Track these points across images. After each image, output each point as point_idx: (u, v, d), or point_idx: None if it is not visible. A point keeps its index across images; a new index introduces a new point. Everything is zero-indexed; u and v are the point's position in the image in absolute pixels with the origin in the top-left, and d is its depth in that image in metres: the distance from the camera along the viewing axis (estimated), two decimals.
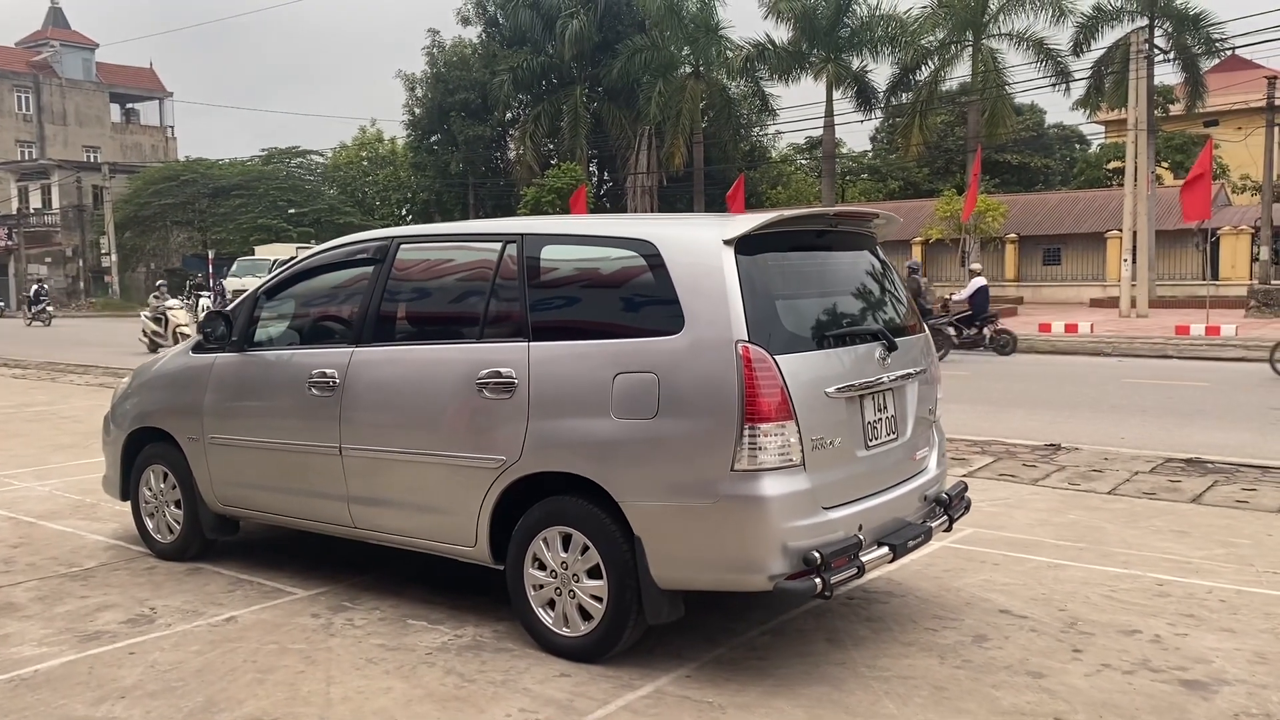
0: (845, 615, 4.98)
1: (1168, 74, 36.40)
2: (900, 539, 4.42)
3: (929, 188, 48.49)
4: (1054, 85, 35.63)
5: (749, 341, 4.00)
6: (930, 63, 37.62)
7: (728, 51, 42.34)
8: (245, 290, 34.80)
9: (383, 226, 60.65)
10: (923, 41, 37.31)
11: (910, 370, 4.80)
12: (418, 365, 4.94)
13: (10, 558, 6.28)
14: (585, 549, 4.37)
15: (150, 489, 6.19)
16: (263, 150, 60.10)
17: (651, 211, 41.31)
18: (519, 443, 4.49)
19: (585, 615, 4.41)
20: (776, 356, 4.03)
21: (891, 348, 4.62)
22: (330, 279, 5.65)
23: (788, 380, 4.02)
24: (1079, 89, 37.12)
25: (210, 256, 52.80)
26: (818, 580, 3.96)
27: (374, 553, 5.92)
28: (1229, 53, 33.94)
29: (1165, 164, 42.24)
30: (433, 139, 53.15)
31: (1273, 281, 29.27)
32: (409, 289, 5.24)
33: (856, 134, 51.56)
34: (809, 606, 5.07)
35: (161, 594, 5.51)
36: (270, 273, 6.24)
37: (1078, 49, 34.69)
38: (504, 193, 52.12)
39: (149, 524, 6.24)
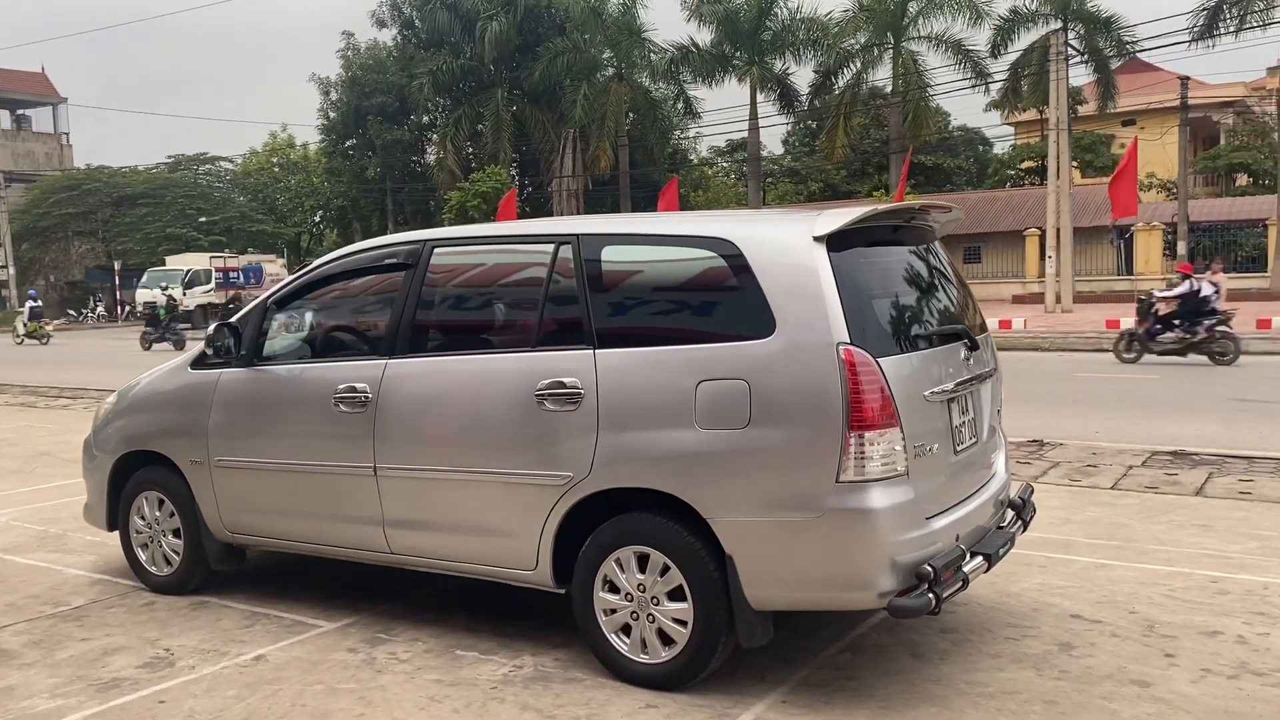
0: (916, 627, 4.78)
1: (1078, 76, 37.42)
2: (991, 547, 4.23)
3: (847, 189, 49.10)
4: (973, 87, 36.36)
5: (850, 344, 3.76)
6: (852, 65, 38.05)
7: (651, 54, 42.24)
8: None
9: (296, 234, 59.72)
10: (844, 44, 37.70)
11: (987, 369, 4.63)
12: (464, 377, 4.59)
13: None
14: (665, 569, 4.09)
15: (143, 518, 5.70)
16: (169, 157, 58.14)
17: (579, 215, 40.95)
18: (588, 458, 4.18)
19: (666, 640, 4.12)
20: (879, 359, 3.80)
21: (974, 346, 4.44)
22: (351, 287, 5.26)
23: (891, 384, 3.80)
24: (995, 91, 37.91)
25: (116, 268, 50.86)
26: (931, 595, 3.75)
27: (391, 578, 5.58)
28: (1137, 54, 34.95)
29: (1075, 163, 43.46)
30: (348, 144, 51.98)
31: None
32: (447, 296, 4.88)
33: (771, 137, 52.05)
34: (875, 620, 4.86)
35: (171, 633, 5.05)
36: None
37: (995, 51, 35.43)
38: (424, 197, 51.21)
39: (142, 556, 5.75)
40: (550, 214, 42.21)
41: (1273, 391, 13.37)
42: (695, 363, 4.01)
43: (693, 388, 3.98)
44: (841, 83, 38.63)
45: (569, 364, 4.28)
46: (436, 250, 4.87)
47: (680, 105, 44.19)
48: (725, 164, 56.48)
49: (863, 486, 3.73)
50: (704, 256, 4.16)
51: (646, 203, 46.58)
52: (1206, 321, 16.58)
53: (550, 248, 4.53)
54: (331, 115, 50.84)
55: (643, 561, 4.15)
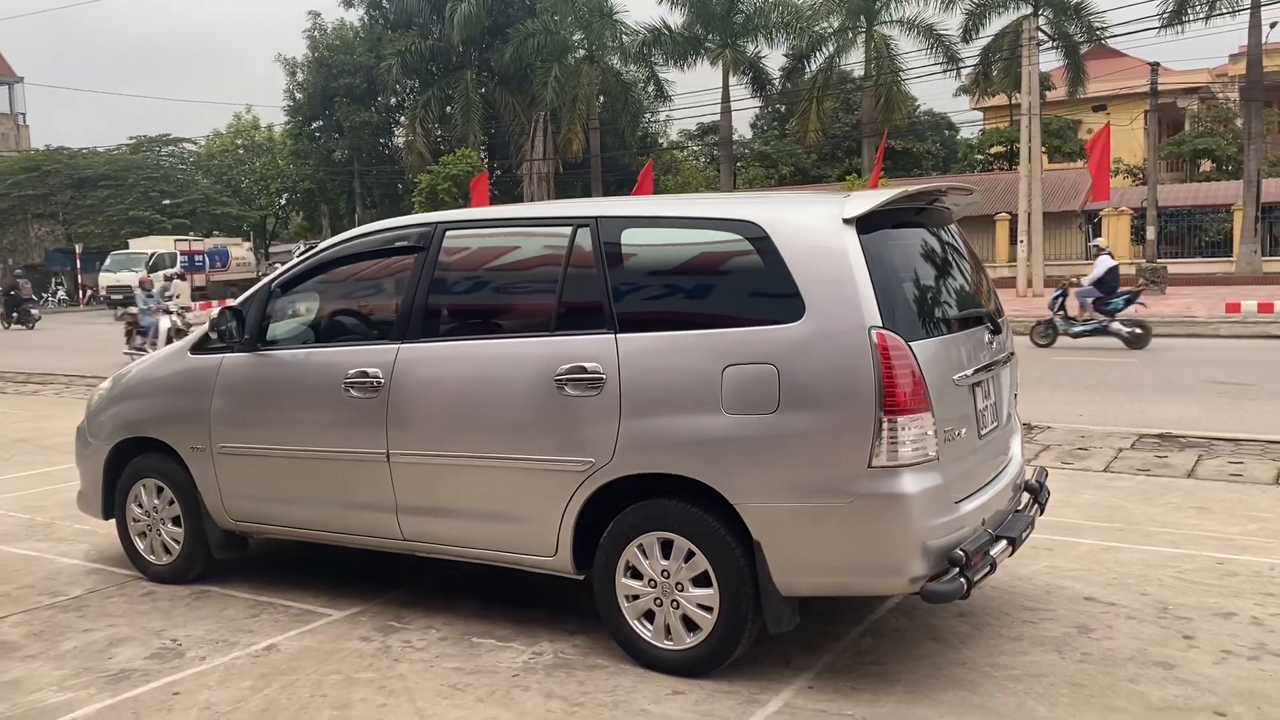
0: (934, 612, 4.77)
1: (1046, 61, 37.63)
2: (1014, 531, 4.22)
3: (817, 174, 49.16)
4: (945, 71, 36.52)
5: (883, 328, 3.73)
6: (825, 48, 38.05)
7: (623, 36, 42.02)
8: (121, 285, 32.84)
9: (261, 217, 58.92)
10: (817, 27, 37.69)
11: (1006, 353, 4.62)
12: (481, 362, 4.51)
13: None
14: (690, 555, 4.05)
15: (141, 506, 5.58)
16: (130, 138, 57.04)
17: (550, 198, 40.75)
18: (610, 443, 4.13)
19: (690, 626, 4.09)
20: (910, 343, 3.77)
21: (996, 330, 4.43)
22: (358, 270, 5.15)
23: (922, 368, 3.78)
24: (966, 76, 38.09)
25: (77, 251, 49.97)
26: (963, 580, 3.73)
27: (394, 565, 5.52)
28: (1106, 40, 35.22)
29: (1044, 148, 43.74)
30: (314, 125, 51.35)
31: (1158, 260, 30.58)
32: (461, 279, 4.80)
33: (739, 120, 51.66)
34: (893, 604, 4.86)
35: (176, 623, 4.95)
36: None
37: (967, 36, 35.57)
38: (392, 180, 50.76)
39: (139, 544, 5.63)
40: (521, 198, 41.96)
41: (1247, 374, 13.54)
42: (721, 347, 3.96)
43: (719, 372, 3.93)
44: (814, 66, 38.63)
45: (589, 349, 4.22)
46: (449, 233, 4.78)
47: (651, 88, 44.02)
48: (696, 147, 56.31)
49: (895, 472, 3.71)
50: (729, 240, 4.11)
51: (617, 186, 46.43)
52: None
53: (568, 230, 4.46)
54: (298, 96, 50.23)
55: (666, 547, 4.11)
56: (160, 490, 5.50)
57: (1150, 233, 31.02)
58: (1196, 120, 48.73)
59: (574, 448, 4.21)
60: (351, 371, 4.76)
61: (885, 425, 3.69)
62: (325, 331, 5.19)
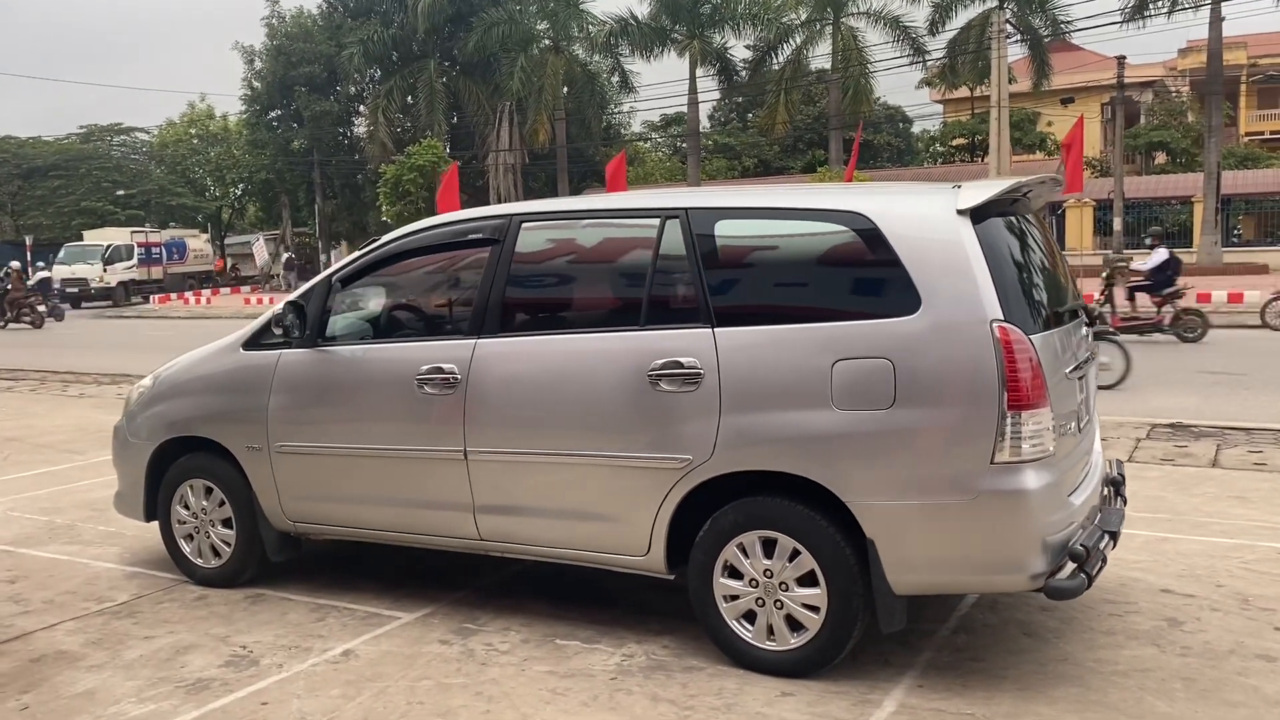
0: (1018, 606, 4.75)
1: (1009, 54, 37.98)
2: (1114, 524, 4.20)
3: (779, 165, 49.27)
4: (911, 63, 36.70)
5: (1004, 321, 3.67)
6: (792, 40, 38.11)
7: (590, 26, 41.73)
8: (76, 278, 31.83)
9: (216, 207, 57.79)
10: (785, 19, 37.73)
11: (1093, 346, 4.59)
12: (566, 357, 4.39)
13: (17, 595, 5.38)
14: (795, 554, 3.97)
15: (188, 507, 5.39)
16: (80, 127, 55.65)
17: (516, 190, 40.43)
18: (709, 440, 4.04)
19: (795, 627, 4.01)
20: (1029, 336, 3.72)
21: (1091, 322, 4.40)
22: (426, 264, 5.01)
23: (1042, 362, 3.73)
24: (931, 68, 38.33)
25: (27, 243, 48.70)
26: (1084, 575, 3.70)
27: (448, 565, 5.41)
28: (1070, 34, 35.64)
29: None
30: (272, 115, 50.45)
31: (1124, 251, 30.98)
32: (540, 273, 4.67)
33: (700, 112, 50.83)
34: (973, 598, 4.82)
35: (239, 629, 4.79)
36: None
37: (934, 28, 35.79)
38: (352, 170, 50.04)
39: (185, 547, 5.45)
40: (485, 189, 41.51)
41: (1236, 364, 13.74)
42: (830, 341, 3.88)
43: (828, 367, 3.85)
44: (781, 58, 38.68)
45: (685, 343, 4.12)
46: (524, 225, 4.65)
47: (616, 79, 43.78)
48: (660, 139, 56.18)
49: (1017, 467, 3.66)
50: (833, 231, 4.03)
51: (582, 178, 46.17)
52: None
53: (655, 222, 4.35)
54: (256, 85, 49.25)
55: (769, 546, 4.03)
56: (209, 491, 5.32)
57: (1117, 224, 31.46)
58: (1151, 113, 49.55)
59: (670, 445, 4.12)
60: (425, 367, 4.62)
61: (1009, 421, 3.63)
62: (390, 327, 5.04)
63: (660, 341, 4.18)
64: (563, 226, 4.75)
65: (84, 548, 6.22)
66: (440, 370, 4.58)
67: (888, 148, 54.00)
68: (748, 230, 4.26)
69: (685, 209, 4.31)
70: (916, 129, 55.54)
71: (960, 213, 3.82)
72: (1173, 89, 50.83)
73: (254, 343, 5.19)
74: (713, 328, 4.09)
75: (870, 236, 3.91)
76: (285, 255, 46.25)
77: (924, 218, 3.90)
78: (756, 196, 4.62)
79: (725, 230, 4.23)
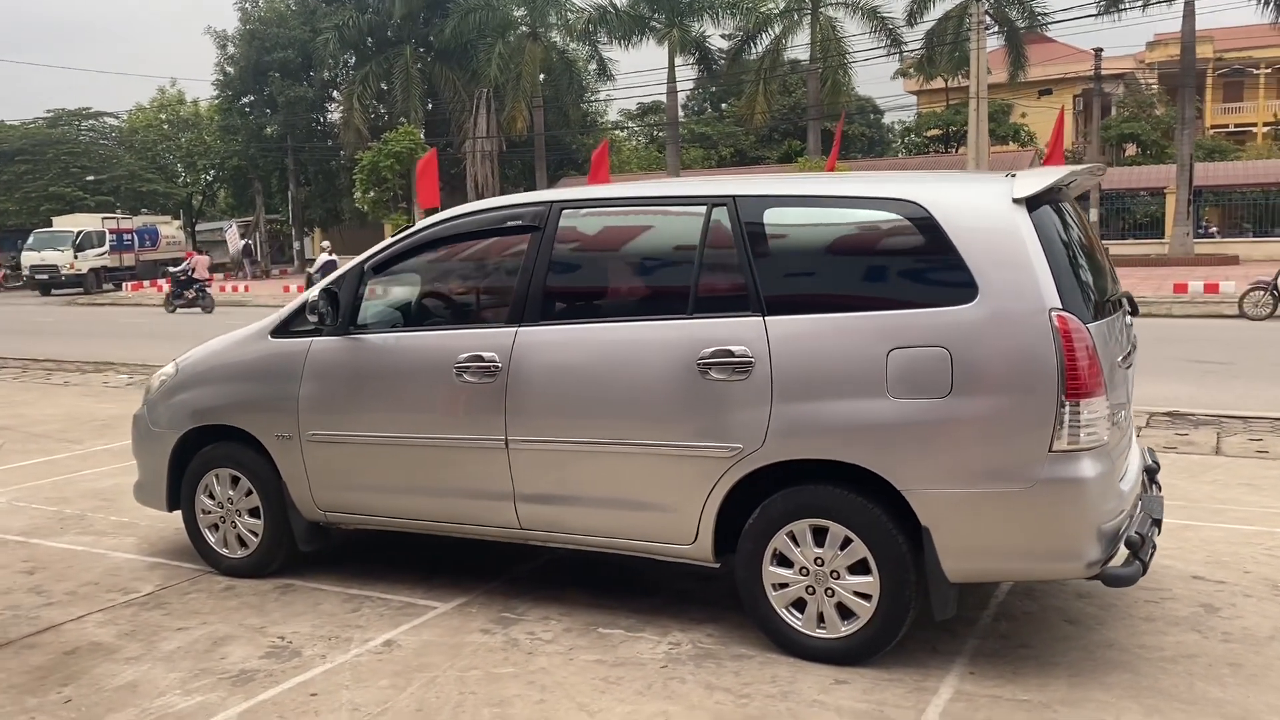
0: (1054, 593, 4.78)
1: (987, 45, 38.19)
2: (1158, 512, 4.25)
3: (755, 155, 49.32)
4: (889, 54, 36.79)
5: (1062, 310, 3.69)
6: (771, 29, 38.09)
7: (568, 13, 41.52)
8: (46, 264, 31.41)
9: (188, 194, 56.90)
10: (764, 8, 37.70)
11: (1134, 336, 4.63)
12: (611, 345, 4.36)
13: (38, 585, 5.29)
14: (847, 542, 3.98)
15: (213, 497, 5.33)
16: (47, 111, 54.58)
17: (494, 177, 40.18)
18: (760, 429, 4.03)
19: (845, 614, 4.02)
20: (1087, 325, 3.74)
21: (1134, 311, 4.43)
22: (462, 250, 4.95)
23: (1098, 351, 3.75)
24: (908, 59, 38.47)
25: None
26: (1139, 563, 3.73)
27: (477, 554, 5.38)
28: (1046, 25, 35.87)
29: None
30: (245, 101, 49.83)
31: (1103, 242, 31.32)
32: (583, 260, 4.64)
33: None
34: (1007, 586, 4.85)
35: (274, 619, 4.73)
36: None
37: (911, 19, 35.90)
38: (326, 156, 49.58)
39: (210, 537, 5.38)
40: (462, 176, 41.23)
41: (1220, 353, 13.91)
42: (885, 330, 3.88)
43: (883, 356, 3.85)
44: (760, 47, 38.67)
45: (735, 332, 4.11)
46: (565, 212, 4.61)
47: (594, 67, 43.57)
48: (636, 127, 56.04)
49: (1075, 456, 3.68)
50: (886, 219, 4.02)
51: (559, 165, 45.96)
52: None
53: (702, 210, 4.33)
54: (229, 70, 48.63)
55: (819, 534, 4.03)
56: (236, 480, 5.25)
57: (1094, 215, 31.74)
58: (1121, 105, 50.05)
59: (719, 433, 4.10)
60: (464, 355, 4.58)
61: (1067, 409, 3.65)
62: (425, 314, 4.99)
63: (709, 330, 4.16)
64: (604, 214, 4.71)
65: (99, 538, 6.13)
66: (480, 359, 4.54)
67: (860, 138, 54.23)
68: (797, 218, 4.24)
69: (733, 196, 4.29)
70: (888, 120, 55.92)
71: (1016, 201, 3.83)
72: (1142, 81, 51.36)
73: (283, 330, 5.12)
74: (763, 316, 4.08)
75: (925, 225, 3.91)
76: (243, 242, 45.92)
77: (980, 206, 3.90)
78: (805, 184, 4.60)
79: (774, 218, 4.22)
